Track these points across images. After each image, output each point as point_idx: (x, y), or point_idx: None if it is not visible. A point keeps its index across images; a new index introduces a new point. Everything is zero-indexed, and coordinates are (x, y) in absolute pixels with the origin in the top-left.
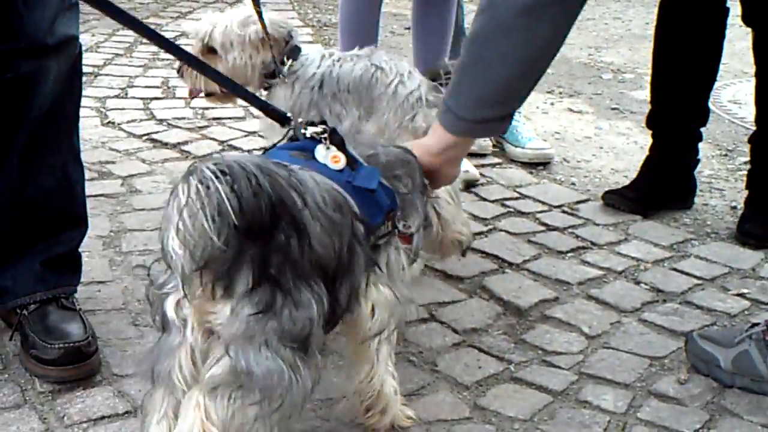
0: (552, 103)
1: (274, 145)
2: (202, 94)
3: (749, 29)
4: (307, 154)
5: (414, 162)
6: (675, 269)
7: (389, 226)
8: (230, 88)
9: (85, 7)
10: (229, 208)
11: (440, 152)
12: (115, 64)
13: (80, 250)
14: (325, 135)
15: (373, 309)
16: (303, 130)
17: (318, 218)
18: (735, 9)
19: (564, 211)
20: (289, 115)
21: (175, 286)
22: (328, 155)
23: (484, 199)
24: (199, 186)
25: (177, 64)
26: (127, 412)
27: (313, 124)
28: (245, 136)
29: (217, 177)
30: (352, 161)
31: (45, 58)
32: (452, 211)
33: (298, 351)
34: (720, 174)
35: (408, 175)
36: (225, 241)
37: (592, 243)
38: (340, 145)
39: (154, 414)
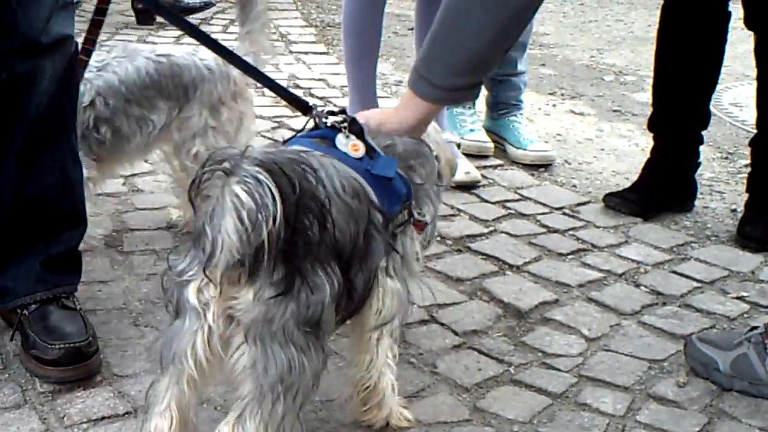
0: (554, 105)
1: (296, 134)
2: None
3: (751, 32)
4: (328, 142)
5: (428, 153)
6: (675, 272)
7: (405, 215)
8: (261, 79)
9: (89, 6)
10: (275, 204)
11: (417, 123)
12: None
13: (81, 249)
14: (345, 124)
15: (381, 299)
16: (324, 119)
17: (336, 204)
18: (737, 12)
19: (565, 213)
20: (311, 104)
21: (197, 273)
22: (348, 144)
23: (486, 201)
24: (248, 184)
25: None
26: (127, 413)
27: (333, 113)
28: None
29: (262, 175)
30: (370, 150)
31: (40, 58)
32: (440, 138)
33: (309, 335)
34: (720, 177)
35: (422, 166)
36: (267, 234)
37: (593, 245)
38: (359, 135)
39: (157, 405)
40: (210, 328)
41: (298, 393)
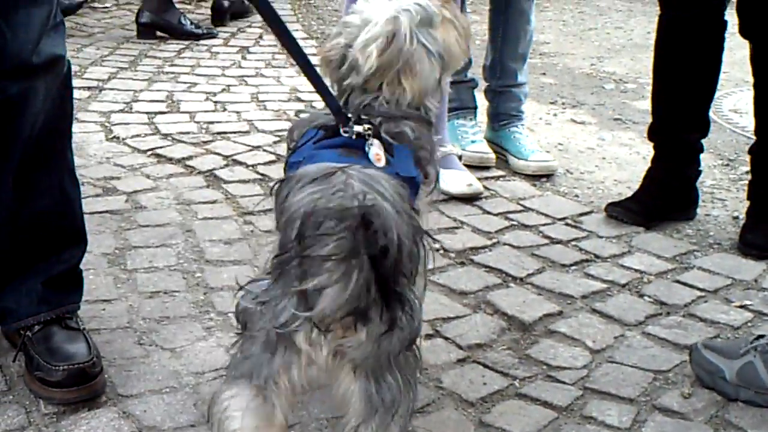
0: (555, 114)
1: (305, 143)
2: None
3: None
4: (358, 152)
5: (429, 132)
6: (678, 281)
7: None
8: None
9: (90, 20)
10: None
11: None
12: (120, 78)
13: (84, 267)
14: (370, 132)
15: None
16: (351, 128)
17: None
18: (734, 18)
19: (567, 224)
20: (350, 115)
21: (303, 325)
22: (371, 153)
23: (488, 213)
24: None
25: None
26: None
27: (358, 122)
28: (249, 150)
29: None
30: (388, 146)
31: (33, 79)
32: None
33: (409, 353)
34: (722, 184)
35: (427, 148)
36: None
37: (596, 256)
38: (378, 135)
39: (248, 419)
40: (313, 363)
41: (408, 409)
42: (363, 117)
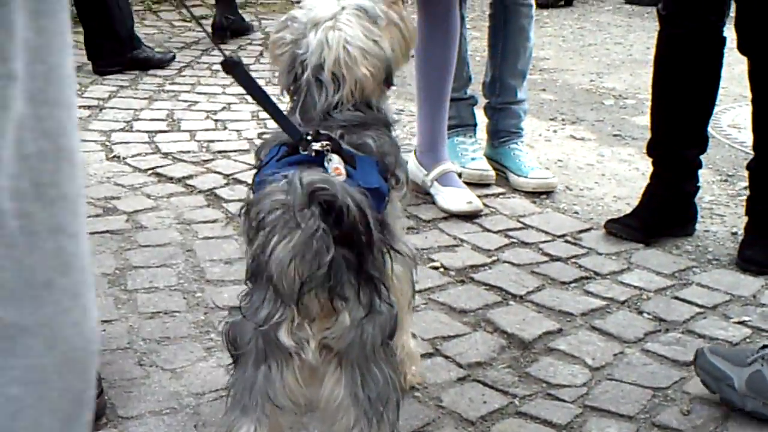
0: (554, 131)
1: (267, 163)
2: None
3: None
4: (318, 168)
5: (393, 138)
6: (677, 298)
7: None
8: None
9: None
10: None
11: None
12: (120, 97)
13: None
14: (329, 147)
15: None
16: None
17: None
18: (733, 33)
19: (567, 241)
20: (309, 137)
21: (285, 314)
22: (330, 168)
23: (488, 230)
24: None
25: None
26: None
27: (316, 139)
28: (250, 169)
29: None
30: (349, 158)
31: None
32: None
33: (389, 346)
34: (720, 199)
35: (392, 153)
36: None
37: (595, 273)
38: (338, 149)
39: None
40: (304, 363)
41: (396, 405)
42: (322, 132)
